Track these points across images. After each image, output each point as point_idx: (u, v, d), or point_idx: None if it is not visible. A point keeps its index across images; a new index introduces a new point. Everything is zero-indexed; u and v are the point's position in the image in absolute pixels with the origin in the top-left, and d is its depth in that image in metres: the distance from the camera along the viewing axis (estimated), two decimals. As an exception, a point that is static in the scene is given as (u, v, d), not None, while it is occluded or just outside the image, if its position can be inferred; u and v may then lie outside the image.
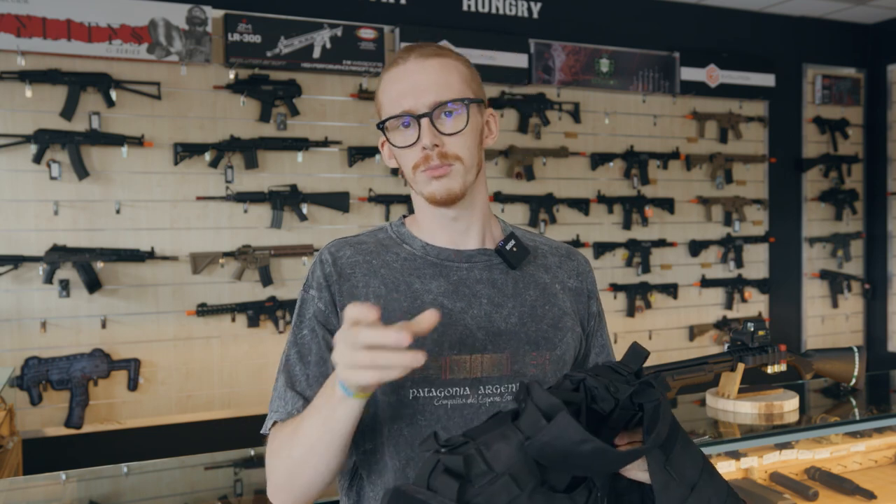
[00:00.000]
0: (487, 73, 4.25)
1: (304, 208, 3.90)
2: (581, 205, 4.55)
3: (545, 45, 4.44)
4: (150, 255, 3.59)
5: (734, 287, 5.05)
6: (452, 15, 4.30)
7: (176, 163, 3.67)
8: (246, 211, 3.81)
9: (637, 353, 0.94)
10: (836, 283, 5.41)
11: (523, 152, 4.39)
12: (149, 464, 2.13)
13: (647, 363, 0.98)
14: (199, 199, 3.72)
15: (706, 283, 4.97)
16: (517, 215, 4.42)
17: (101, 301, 3.57)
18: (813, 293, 5.42)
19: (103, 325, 3.57)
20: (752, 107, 5.14)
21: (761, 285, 5.15)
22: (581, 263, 1.28)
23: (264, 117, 3.82)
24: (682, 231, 4.93)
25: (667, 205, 4.81)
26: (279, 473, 1.07)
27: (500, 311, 1.15)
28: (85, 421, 3.51)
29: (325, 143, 3.92)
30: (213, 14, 3.71)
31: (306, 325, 1.15)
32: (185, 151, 3.67)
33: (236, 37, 3.72)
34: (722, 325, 5.01)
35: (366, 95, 4.02)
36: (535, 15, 4.49)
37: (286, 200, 3.84)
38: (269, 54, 3.78)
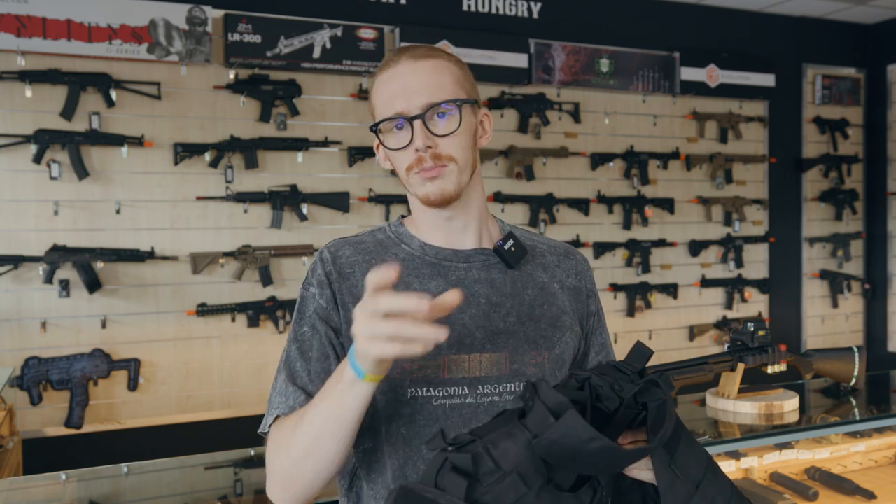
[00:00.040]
0: (487, 73, 4.25)
1: (304, 208, 3.90)
2: (581, 205, 4.55)
3: (545, 45, 4.44)
4: (150, 255, 3.59)
5: (734, 287, 5.05)
6: (452, 15, 4.30)
7: (176, 163, 3.67)
8: (246, 211, 3.81)
9: (641, 352, 0.94)
10: (836, 283, 5.41)
11: (523, 152, 4.39)
12: (149, 464, 2.13)
13: (647, 363, 0.98)
14: (199, 199, 3.72)
15: (706, 283, 4.97)
16: (517, 215, 4.42)
17: (101, 301, 3.57)
18: (813, 293, 5.42)
19: (103, 325, 3.57)
20: (752, 107, 5.14)
21: (761, 285, 5.15)
22: (580, 262, 1.28)
23: (264, 117, 3.82)
24: (682, 231, 4.93)
25: (667, 205, 4.81)
26: (280, 469, 1.05)
27: (499, 310, 1.15)
28: (85, 421, 3.51)
29: (325, 143, 3.92)
30: (213, 14, 3.71)
31: (307, 322, 1.15)
32: (185, 151, 3.67)
33: (236, 37, 3.72)
34: (722, 325, 5.01)
35: (366, 95, 4.02)
36: (535, 15, 4.49)
37: (286, 200, 3.84)
38: (269, 54, 3.78)
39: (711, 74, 4.88)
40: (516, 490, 0.79)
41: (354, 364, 0.94)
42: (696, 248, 4.93)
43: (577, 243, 4.53)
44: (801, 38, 5.31)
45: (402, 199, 4.04)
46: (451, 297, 0.90)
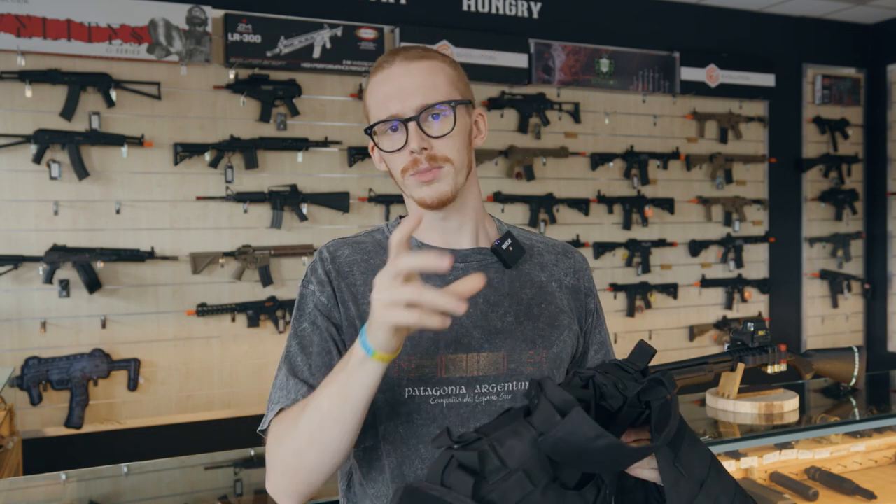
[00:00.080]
0: (487, 73, 4.25)
1: (304, 208, 3.90)
2: (581, 205, 4.55)
3: (545, 45, 4.44)
4: (150, 255, 3.59)
5: (734, 287, 5.05)
6: (452, 15, 4.30)
7: (176, 163, 3.67)
8: (246, 211, 3.81)
9: (644, 350, 0.95)
10: (836, 283, 5.41)
11: (523, 152, 4.39)
12: (149, 464, 2.13)
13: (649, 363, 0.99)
14: (199, 199, 3.72)
15: (706, 283, 4.97)
16: (517, 215, 4.42)
17: (101, 301, 3.57)
18: (813, 293, 5.42)
19: (103, 325, 3.57)
20: (752, 107, 5.14)
21: (761, 285, 5.15)
22: (578, 261, 1.28)
23: (264, 117, 3.82)
24: (682, 231, 4.93)
25: (667, 205, 4.81)
26: (282, 461, 1.04)
27: (496, 310, 1.15)
28: (85, 421, 3.51)
29: (325, 143, 3.92)
30: (213, 14, 3.71)
31: (307, 318, 1.14)
32: (185, 151, 3.67)
33: (236, 37, 3.72)
34: (722, 325, 5.01)
35: (366, 95, 4.02)
36: (535, 15, 4.49)
37: (286, 200, 3.84)
38: (269, 54, 3.78)
39: (711, 74, 4.88)
40: (522, 488, 0.79)
41: (365, 342, 0.93)
42: (696, 248, 4.93)
43: (577, 243, 4.53)
44: (801, 38, 5.31)
45: (402, 199, 4.03)
46: (475, 281, 0.89)
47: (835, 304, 5.44)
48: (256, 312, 3.80)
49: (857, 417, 2.23)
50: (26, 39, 3.37)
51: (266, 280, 3.81)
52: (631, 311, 4.71)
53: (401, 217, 1.26)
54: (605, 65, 4.60)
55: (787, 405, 2.17)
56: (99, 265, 3.51)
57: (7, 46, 3.36)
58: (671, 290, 4.82)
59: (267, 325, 3.86)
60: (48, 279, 3.43)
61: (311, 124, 3.95)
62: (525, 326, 1.16)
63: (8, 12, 3.34)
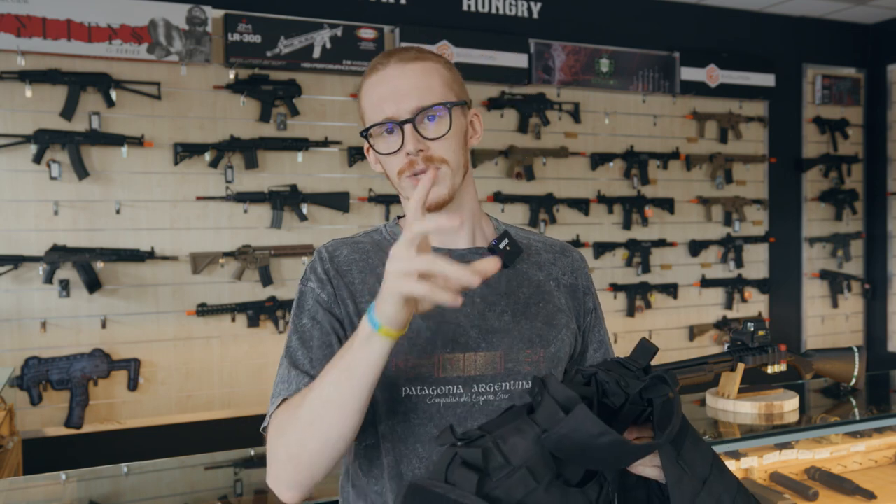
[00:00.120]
0: (487, 73, 4.25)
1: (304, 208, 3.90)
2: (581, 205, 4.55)
3: (545, 45, 4.44)
4: (150, 255, 3.59)
5: (734, 287, 5.05)
6: (452, 15, 4.30)
7: (176, 163, 3.67)
8: (246, 211, 3.81)
9: (646, 348, 0.95)
10: (836, 283, 5.41)
11: (523, 152, 4.39)
12: (149, 464, 2.13)
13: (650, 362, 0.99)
14: (199, 199, 3.72)
15: (706, 283, 4.97)
16: (517, 215, 4.42)
17: (101, 301, 3.57)
18: (813, 293, 5.42)
19: (103, 325, 3.57)
20: (752, 107, 5.14)
21: (761, 285, 5.15)
22: (576, 260, 1.28)
23: (264, 117, 3.82)
24: (682, 231, 4.93)
25: (667, 205, 4.81)
26: (284, 450, 1.02)
27: (494, 309, 1.15)
28: (85, 421, 3.51)
29: (325, 143, 3.92)
30: (213, 14, 3.71)
31: (307, 314, 1.14)
32: (185, 151, 3.67)
33: (236, 37, 3.72)
34: (722, 325, 5.01)
35: (366, 95, 4.02)
36: (535, 15, 4.49)
37: (286, 200, 3.84)
38: (269, 54, 3.78)
39: (711, 74, 4.88)
40: (526, 485, 0.79)
41: (372, 317, 0.93)
42: (696, 248, 4.93)
43: (577, 243, 4.53)
44: (801, 38, 5.31)
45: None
46: (491, 264, 0.89)
47: (835, 304, 5.44)
48: (256, 312, 3.80)
49: (857, 417, 2.23)
50: (26, 39, 3.37)
51: (266, 280, 3.81)
52: (631, 311, 4.71)
53: (399, 217, 1.26)
54: (605, 65, 4.60)
55: (787, 405, 2.17)
56: (99, 265, 3.51)
57: (7, 46, 3.36)
58: (671, 290, 4.82)
59: (267, 325, 3.86)
60: (48, 279, 3.43)
61: (311, 124, 3.95)
62: (522, 326, 1.16)
63: (8, 12, 3.34)
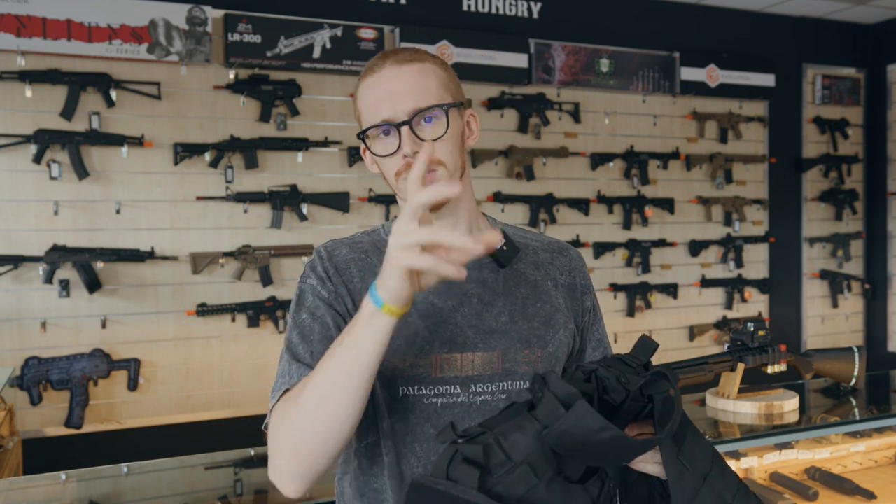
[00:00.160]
0: (487, 73, 4.25)
1: (304, 208, 3.90)
2: (581, 205, 4.55)
3: (545, 45, 4.44)
4: (150, 255, 3.59)
5: (734, 287, 5.05)
6: (452, 15, 4.30)
7: (176, 163, 3.67)
8: (246, 211, 3.81)
9: (646, 345, 0.95)
10: (836, 283, 5.41)
11: (523, 152, 4.39)
12: (149, 464, 2.13)
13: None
14: (199, 199, 3.72)
15: (706, 283, 4.97)
16: (517, 215, 4.42)
17: (101, 301, 3.57)
18: (813, 293, 5.42)
19: (103, 325, 3.57)
20: (752, 107, 5.14)
21: (761, 285, 5.15)
22: (573, 259, 1.28)
23: (264, 117, 3.82)
24: (682, 231, 4.93)
25: (667, 205, 4.81)
26: (286, 437, 1.01)
27: (491, 309, 1.15)
28: (85, 421, 3.51)
29: (325, 143, 3.92)
30: (213, 14, 3.71)
31: (306, 310, 1.14)
32: (185, 151, 3.67)
33: (236, 37, 3.72)
34: (722, 325, 5.01)
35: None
36: (535, 15, 4.49)
37: (286, 200, 3.84)
38: (269, 54, 3.78)
39: (711, 74, 4.88)
40: (527, 481, 0.79)
41: (374, 295, 0.93)
42: (696, 248, 4.93)
43: (577, 243, 4.53)
44: (801, 38, 5.31)
45: (402, 199, 4.04)
46: (494, 235, 0.89)
47: (835, 304, 5.44)
48: (256, 312, 3.80)
49: (857, 417, 2.23)
50: (26, 39, 3.37)
51: (266, 280, 3.81)
52: (631, 311, 4.71)
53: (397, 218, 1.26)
54: (605, 65, 4.60)
55: (787, 405, 2.18)
56: (99, 265, 3.51)
57: (7, 46, 3.36)
58: (671, 290, 4.82)
59: (267, 325, 3.86)
60: (48, 279, 3.43)
61: (311, 124, 3.95)
62: (520, 326, 1.16)
63: (8, 12, 3.34)
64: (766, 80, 5.05)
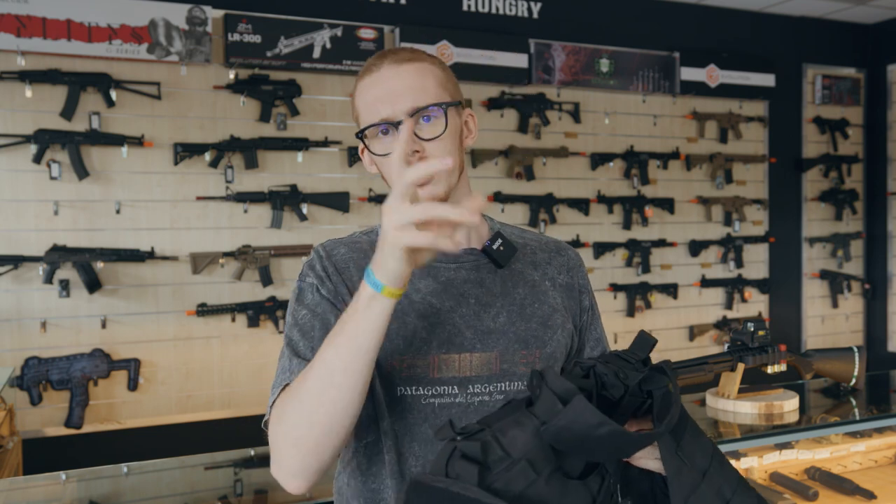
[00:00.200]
0: (487, 73, 4.25)
1: (304, 208, 3.90)
2: (581, 205, 4.55)
3: (545, 45, 4.44)
4: (150, 255, 3.59)
5: (734, 287, 5.05)
6: (452, 15, 4.30)
7: (176, 163, 3.67)
8: (246, 211, 3.81)
9: (645, 340, 0.95)
10: (836, 283, 5.41)
11: (523, 152, 4.39)
12: (149, 464, 2.13)
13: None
14: (199, 199, 3.72)
15: (706, 283, 4.97)
16: (517, 215, 4.42)
17: (101, 301, 3.57)
18: (813, 293, 5.42)
19: (103, 325, 3.57)
20: (752, 107, 5.14)
21: (761, 285, 5.15)
22: (571, 258, 1.28)
23: (264, 117, 3.82)
24: (682, 231, 4.93)
25: (667, 205, 4.81)
26: (287, 432, 1.00)
27: (489, 310, 1.15)
28: (85, 421, 3.51)
29: (325, 143, 3.92)
30: (213, 14, 3.71)
31: (306, 307, 1.13)
32: (185, 151, 3.67)
33: (236, 37, 3.72)
34: (722, 325, 5.01)
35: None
36: (535, 15, 4.49)
37: (286, 200, 3.84)
38: (269, 54, 3.78)
39: (711, 74, 4.88)
40: (526, 477, 0.79)
41: (372, 279, 0.92)
42: (696, 248, 4.93)
43: (577, 243, 4.53)
44: (801, 38, 5.31)
45: (402, 199, 4.03)
46: (475, 202, 0.88)
47: (835, 304, 5.44)
48: (256, 312, 3.80)
49: (857, 417, 2.23)
50: (26, 39, 3.37)
51: (266, 280, 3.81)
52: (631, 311, 4.71)
53: None
54: (605, 65, 4.60)
55: (787, 405, 2.18)
56: (99, 265, 3.51)
57: (7, 46, 3.36)
58: (671, 290, 4.82)
59: (267, 325, 3.86)
60: (48, 279, 3.43)
61: (311, 124, 3.95)
62: (518, 326, 1.16)
63: (8, 12, 3.34)
64: (766, 80, 5.05)
